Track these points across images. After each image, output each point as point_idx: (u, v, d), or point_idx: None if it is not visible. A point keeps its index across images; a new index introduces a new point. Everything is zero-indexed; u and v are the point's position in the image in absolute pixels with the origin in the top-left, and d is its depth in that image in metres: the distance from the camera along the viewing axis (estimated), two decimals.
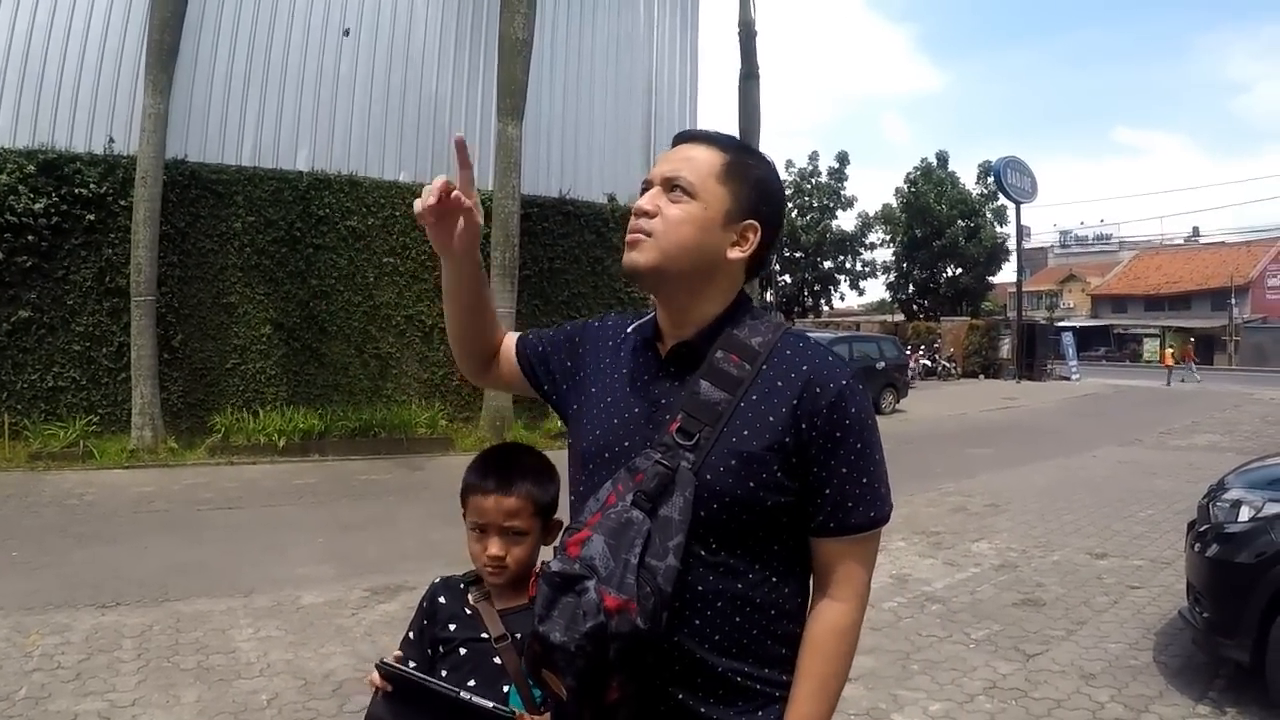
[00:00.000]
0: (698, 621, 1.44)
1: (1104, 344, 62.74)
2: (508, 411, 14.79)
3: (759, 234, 1.57)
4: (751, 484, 1.44)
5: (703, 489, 1.43)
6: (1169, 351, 40.25)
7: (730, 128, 20.06)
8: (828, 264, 50.36)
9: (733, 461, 1.44)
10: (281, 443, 13.05)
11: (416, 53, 16.41)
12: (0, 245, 12.64)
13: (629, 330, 1.71)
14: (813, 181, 49.46)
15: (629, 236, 1.55)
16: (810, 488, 1.47)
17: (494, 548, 1.79)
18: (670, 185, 1.53)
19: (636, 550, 1.36)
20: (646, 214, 1.53)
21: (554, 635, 1.35)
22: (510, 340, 1.89)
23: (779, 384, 1.49)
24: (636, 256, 1.53)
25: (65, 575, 6.88)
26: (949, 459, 13.96)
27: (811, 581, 1.57)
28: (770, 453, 1.45)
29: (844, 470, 1.47)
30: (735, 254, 1.55)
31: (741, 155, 1.59)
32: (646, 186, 1.57)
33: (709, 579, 1.45)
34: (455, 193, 1.60)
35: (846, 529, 1.48)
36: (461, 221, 1.64)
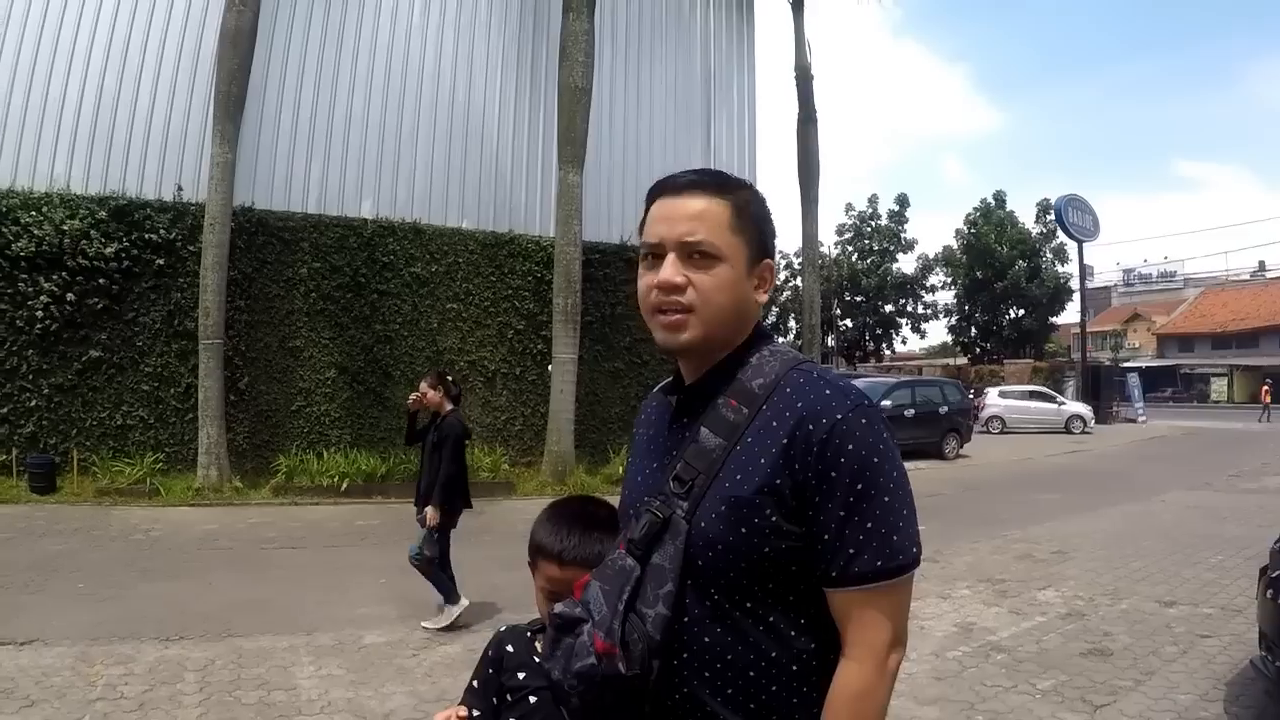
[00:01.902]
0: (707, 674, 1.40)
1: (1170, 384, 61.10)
2: (570, 457, 14.74)
3: (773, 268, 1.57)
4: (743, 530, 1.37)
5: (696, 537, 1.40)
6: (1265, 387, 39.10)
7: (789, 172, 20.18)
8: (889, 307, 50.05)
9: (722, 507, 1.39)
10: (344, 485, 13.15)
11: (477, 103, 16.74)
12: (72, 288, 13.06)
13: (655, 390, 1.74)
14: (872, 225, 49.38)
15: (663, 318, 1.49)
16: (811, 533, 1.37)
17: None
18: (690, 251, 1.47)
19: (625, 597, 1.39)
20: (676, 287, 1.47)
21: (554, 673, 1.43)
22: None
23: (773, 424, 1.41)
24: (682, 337, 1.49)
25: (130, 608, 6.93)
26: (1014, 505, 13.60)
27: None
28: (761, 496, 1.37)
29: (841, 513, 1.35)
30: (761, 297, 1.55)
31: (740, 195, 1.53)
32: (653, 251, 1.51)
33: (716, 630, 1.40)
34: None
35: (850, 579, 1.35)
36: None
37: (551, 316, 14.95)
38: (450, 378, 7.33)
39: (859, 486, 1.35)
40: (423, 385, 7.05)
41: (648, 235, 1.52)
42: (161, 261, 13.65)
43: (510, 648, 1.83)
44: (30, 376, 12.95)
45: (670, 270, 1.47)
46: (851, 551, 1.34)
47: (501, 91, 17.01)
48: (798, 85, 20.68)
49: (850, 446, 1.36)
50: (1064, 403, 31.57)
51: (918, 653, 6.00)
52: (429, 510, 6.63)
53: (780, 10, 25.72)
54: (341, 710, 4.98)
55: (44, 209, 13.00)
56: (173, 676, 5.39)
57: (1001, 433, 29.55)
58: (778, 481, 1.37)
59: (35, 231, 12.84)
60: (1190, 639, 6.53)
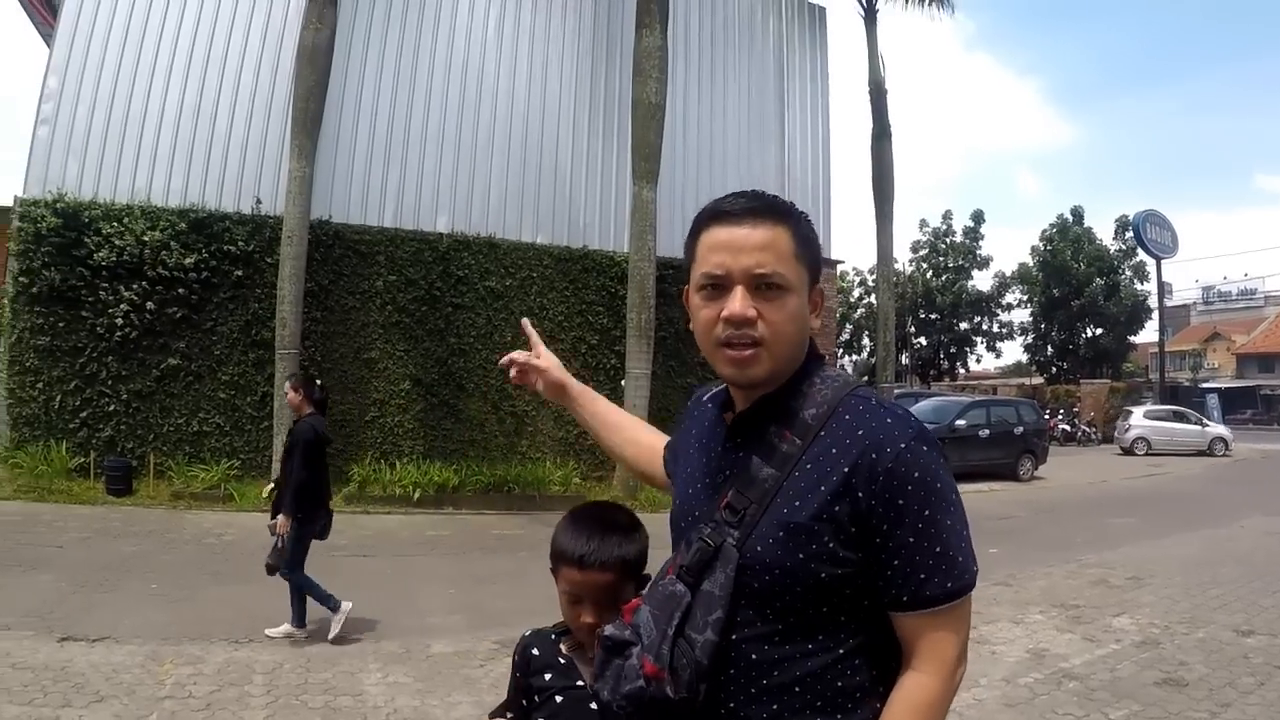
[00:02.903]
0: (753, 690, 1.40)
1: (1250, 406, 58.44)
2: None
3: (823, 293, 1.56)
4: (800, 555, 1.37)
5: (752, 562, 1.40)
6: None
7: (864, 186, 19.99)
8: (964, 325, 49.15)
9: (780, 533, 1.38)
10: (417, 495, 13.17)
11: (551, 118, 16.83)
12: (152, 297, 13.38)
13: (705, 400, 1.72)
14: (947, 241, 48.56)
15: (731, 352, 1.45)
16: (875, 560, 1.37)
17: (589, 615, 1.78)
18: (760, 283, 1.44)
19: (675, 622, 1.40)
20: (748, 321, 1.43)
21: (604, 694, 1.46)
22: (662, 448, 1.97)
23: (833, 451, 1.40)
24: (752, 372, 1.46)
25: (201, 610, 6.98)
26: (1090, 529, 13.21)
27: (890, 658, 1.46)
28: (820, 523, 1.36)
29: (910, 540, 1.36)
30: (815, 322, 1.53)
31: (799, 221, 1.51)
32: (715, 282, 1.47)
33: (764, 649, 1.40)
34: (515, 369, 2.08)
35: (921, 602, 1.37)
36: (537, 380, 2.09)
37: (625, 331, 14.90)
38: (319, 381, 7.12)
39: (926, 513, 1.36)
40: (286, 385, 6.92)
41: (707, 265, 1.48)
42: (240, 272, 13.92)
43: (536, 650, 1.89)
44: (110, 382, 13.27)
45: (740, 304, 1.44)
46: (922, 577, 1.36)
47: (575, 107, 17.08)
48: (871, 100, 20.44)
49: (916, 474, 1.36)
50: (1207, 425, 30.41)
51: (988, 679, 5.85)
52: (279, 518, 6.29)
53: (853, 24, 25.67)
54: (408, 718, 4.92)
55: (125, 220, 13.35)
56: (241, 678, 5.37)
57: (1147, 454, 28.43)
58: (837, 509, 1.36)
59: (116, 242, 13.19)
60: (1268, 670, 6.29)
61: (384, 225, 15.16)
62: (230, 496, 12.51)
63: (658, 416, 15.31)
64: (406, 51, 15.83)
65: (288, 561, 6.29)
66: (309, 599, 6.43)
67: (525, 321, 2.28)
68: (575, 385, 2.12)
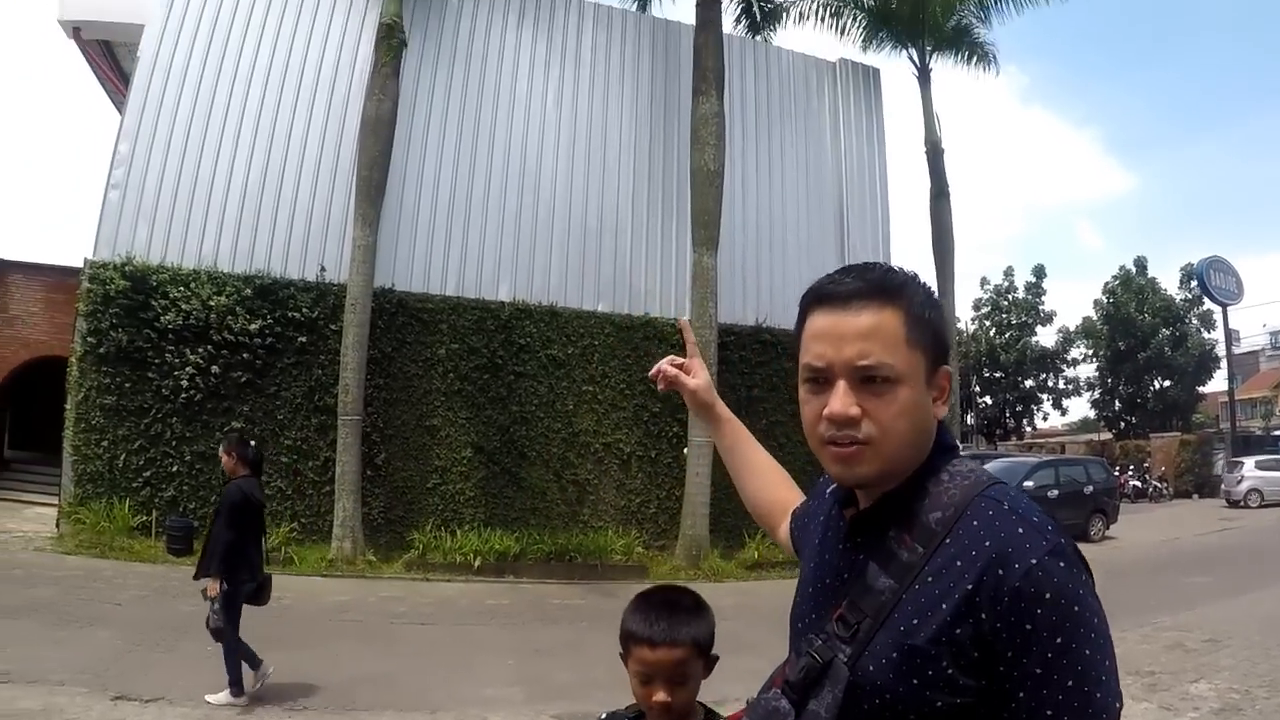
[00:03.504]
0: None
1: None
2: (704, 541, 14.37)
3: (950, 375, 1.39)
4: (915, 681, 1.21)
5: (862, 683, 1.26)
6: None
7: (923, 246, 19.77)
8: (1029, 383, 48.34)
9: (894, 655, 1.23)
10: (477, 563, 13.07)
11: (610, 187, 17.03)
12: (218, 360, 13.67)
13: (827, 492, 1.56)
14: (1009, 298, 48.02)
15: (835, 450, 1.31)
16: (999, 690, 1.18)
17: (661, 694, 1.80)
18: (864, 376, 1.29)
19: None
20: (851, 420, 1.28)
21: None
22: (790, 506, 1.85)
23: (957, 563, 1.23)
24: (860, 473, 1.31)
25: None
26: (1163, 589, 12.77)
27: None
28: (939, 646, 1.20)
29: (1039, 671, 1.16)
30: (940, 410, 1.36)
31: (912, 297, 1.34)
32: (816, 375, 1.33)
33: None
34: (665, 377, 1.96)
35: None
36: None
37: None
38: (252, 443, 7.06)
39: (1058, 641, 1.17)
40: (220, 448, 6.89)
41: (810, 356, 1.34)
42: (304, 339, 14.17)
43: None
44: (174, 443, 13.49)
45: (842, 401, 1.29)
46: (1050, 713, 1.16)
47: (634, 175, 17.27)
48: (929, 160, 20.33)
49: (1048, 595, 1.17)
50: None
51: None
52: (208, 581, 6.24)
53: (908, 84, 25.71)
54: None
55: (192, 285, 13.73)
56: None
57: (1261, 506, 27.40)
58: (958, 631, 1.20)
59: (183, 306, 13.57)
60: None
61: (446, 293, 15.36)
62: (290, 560, 12.56)
63: (720, 484, 15.10)
64: (468, 122, 16.20)
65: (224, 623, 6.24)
66: (243, 663, 6.37)
67: (683, 323, 2.17)
68: (723, 411, 2.00)
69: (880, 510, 1.34)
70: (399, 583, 12.26)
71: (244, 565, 6.46)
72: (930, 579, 1.24)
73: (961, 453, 1.41)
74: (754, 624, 6.53)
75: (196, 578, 6.43)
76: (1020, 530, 1.22)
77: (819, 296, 1.37)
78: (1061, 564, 1.19)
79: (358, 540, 13.13)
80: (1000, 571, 1.18)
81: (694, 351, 2.01)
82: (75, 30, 17.56)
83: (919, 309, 1.33)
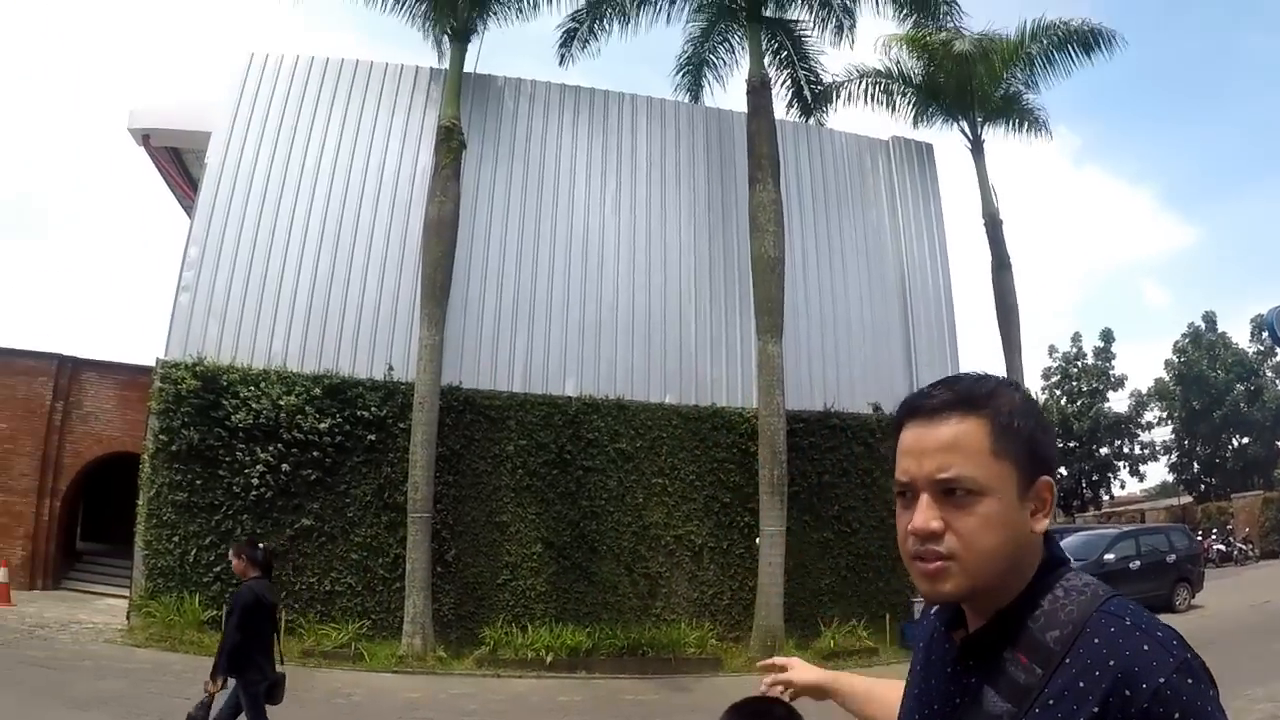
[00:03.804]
0: None
1: None
2: (779, 631, 14.19)
3: (1052, 486, 1.32)
4: None
5: None
6: None
7: (988, 318, 19.56)
8: (1104, 451, 47.12)
9: None
10: (549, 658, 13.01)
11: (673, 279, 17.14)
12: (288, 459, 13.88)
13: (932, 614, 1.51)
14: (1078, 365, 47.10)
15: (922, 565, 1.29)
16: None
17: None
18: (946, 489, 1.27)
19: None
20: (933, 535, 1.27)
21: None
22: None
23: (1080, 684, 1.18)
24: (945, 589, 1.28)
25: None
26: (1255, 658, 12.22)
27: None
28: None
29: None
30: (1039, 524, 1.30)
31: (1000, 406, 1.31)
32: (902, 490, 1.33)
33: None
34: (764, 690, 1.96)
35: None
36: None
37: (757, 488, 14.71)
38: (261, 545, 7.20)
39: None
40: (230, 551, 6.95)
41: (898, 470, 1.34)
42: (373, 437, 14.36)
43: None
44: (244, 540, 13.55)
45: (924, 516, 1.28)
46: None
47: (695, 266, 17.36)
48: (987, 232, 20.17)
49: (1178, 715, 1.13)
50: None
51: None
52: (208, 679, 6.37)
53: (962, 156, 25.67)
54: None
55: (262, 385, 14.04)
56: None
57: None
58: None
59: (254, 405, 13.84)
60: None
61: (513, 390, 15.49)
62: (360, 656, 12.60)
63: (793, 573, 15.01)
64: (529, 220, 16.47)
65: None
66: None
67: (764, 664, 2.14)
68: (826, 675, 1.97)
69: (993, 630, 1.30)
70: (470, 679, 12.24)
71: (251, 666, 6.58)
72: (1052, 701, 1.20)
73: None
74: None
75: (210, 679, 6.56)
76: (1145, 647, 1.18)
77: (909, 410, 1.36)
78: (1189, 680, 1.16)
79: (428, 637, 13.14)
80: (1127, 692, 1.14)
81: (779, 666, 2.01)
82: (144, 138, 18.15)
83: (1007, 418, 1.30)
